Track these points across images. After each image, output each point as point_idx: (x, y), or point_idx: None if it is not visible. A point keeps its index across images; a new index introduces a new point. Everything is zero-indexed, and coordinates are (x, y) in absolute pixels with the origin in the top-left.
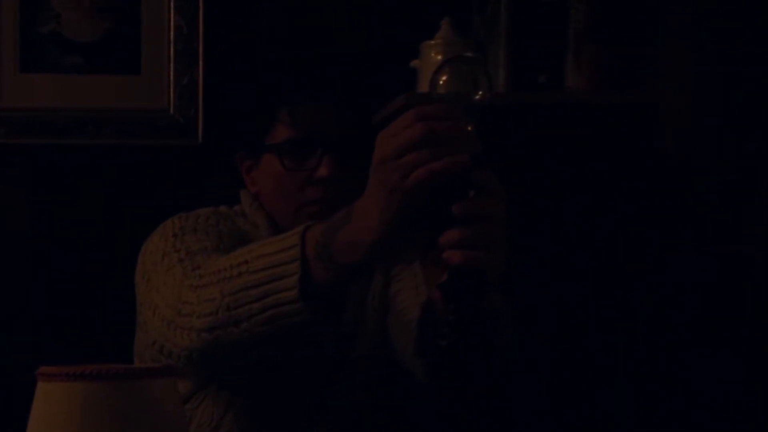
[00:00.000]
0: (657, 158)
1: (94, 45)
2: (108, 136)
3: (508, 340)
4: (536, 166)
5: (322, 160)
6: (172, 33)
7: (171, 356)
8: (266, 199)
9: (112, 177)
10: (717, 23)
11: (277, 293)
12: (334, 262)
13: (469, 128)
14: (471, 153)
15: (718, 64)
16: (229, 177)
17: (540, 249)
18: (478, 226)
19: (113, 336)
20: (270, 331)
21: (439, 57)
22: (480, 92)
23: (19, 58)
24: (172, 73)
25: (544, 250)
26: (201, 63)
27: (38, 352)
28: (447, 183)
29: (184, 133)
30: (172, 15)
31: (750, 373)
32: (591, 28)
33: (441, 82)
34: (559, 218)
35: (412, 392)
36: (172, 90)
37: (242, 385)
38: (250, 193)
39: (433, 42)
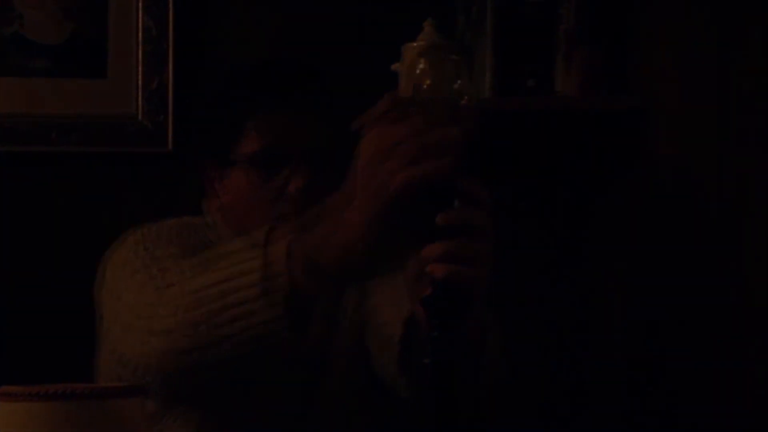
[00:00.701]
0: (651, 166)
1: (58, 47)
2: (73, 142)
3: (496, 357)
4: (524, 175)
5: (294, 173)
6: (140, 34)
7: (128, 366)
8: (234, 211)
9: (78, 186)
10: (713, 25)
11: (237, 291)
12: (321, 270)
13: (456, 131)
14: (456, 158)
15: (714, 67)
16: (201, 185)
17: (529, 261)
18: (463, 238)
19: (78, 353)
20: (231, 335)
21: (422, 59)
22: (460, 85)
23: None
24: (140, 77)
25: (533, 261)
26: (171, 66)
27: None
28: (430, 192)
29: (153, 140)
30: (140, 16)
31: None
32: (581, 29)
33: (425, 87)
34: (548, 229)
35: (390, 411)
36: (140, 94)
37: (213, 406)
38: (218, 203)
39: (415, 44)
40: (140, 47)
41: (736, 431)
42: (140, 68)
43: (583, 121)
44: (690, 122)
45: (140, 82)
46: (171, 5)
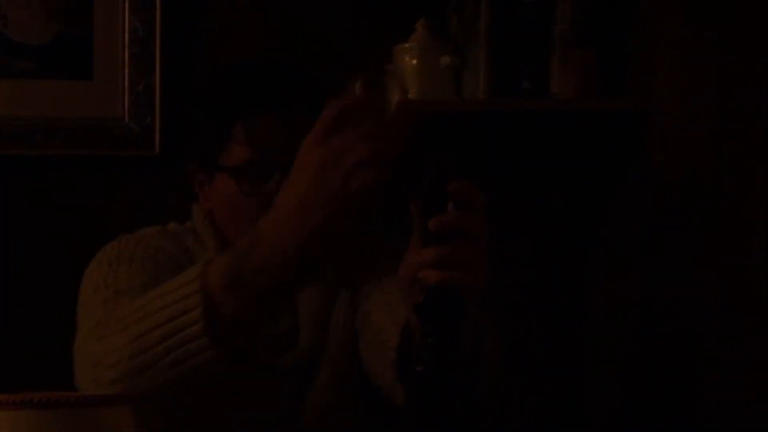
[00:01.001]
0: (649, 169)
1: (43, 48)
2: (58, 145)
3: (494, 364)
4: (519, 178)
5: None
6: (126, 35)
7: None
8: (220, 218)
9: (63, 190)
10: (713, 25)
11: (180, 331)
12: (249, 287)
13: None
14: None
15: (715, 68)
16: (189, 190)
17: (525, 266)
18: (457, 243)
19: (64, 361)
20: (179, 376)
21: (414, 61)
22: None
23: None
24: (126, 79)
25: (529, 267)
26: (158, 68)
27: None
28: (423, 195)
29: (140, 143)
30: (127, 16)
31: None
32: (578, 29)
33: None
34: (544, 233)
35: (380, 421)
36: (126, 97)
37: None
38: (202, 208)
39: (407, 45)
40: (127, 48)
41: None
42: (127, 70)
43: (580, 124)
44: (690, 125)
45: (127, 84)
46: (158, 5)
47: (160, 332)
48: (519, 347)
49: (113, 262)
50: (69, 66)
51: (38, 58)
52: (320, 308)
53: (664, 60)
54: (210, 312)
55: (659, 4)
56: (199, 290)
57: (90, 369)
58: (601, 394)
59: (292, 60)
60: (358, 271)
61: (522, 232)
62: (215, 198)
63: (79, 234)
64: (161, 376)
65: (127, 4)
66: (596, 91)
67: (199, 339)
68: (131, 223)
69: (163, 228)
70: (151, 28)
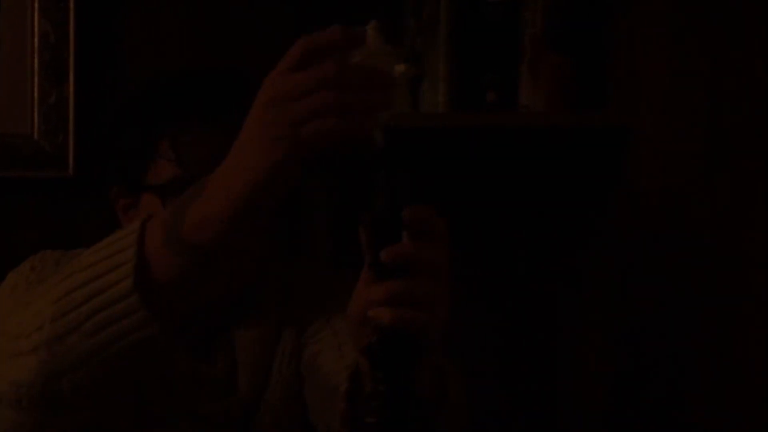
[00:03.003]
0: (632, 193)
1: None
2: None
3: (457, 414)
4: (484, 203)
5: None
6: (36, 40)
7: (2, 401)
8: None
9: None
10: (705, 29)
11: (108, 288)
12: (184, 244)
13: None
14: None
15: (706, 79)
16: (107, 215)
17: (491, 301)
18: (413, 277)
19: None
20: (104, 347)
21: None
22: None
23: None
24: (36, 90)
25: (496, 301)
26: (72, 78)
27: None
28: (374, 223)
29: (52, 164)
30: (36, 19)
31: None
32: (550, 33)
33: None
34: (513, 263)
35: None
36: (36, 110)
37: None
38: None
39: (356, 51)
40: (36, 55)
41: None
42: (36, 80)
43: (553, 141)
44: (679, 143)
45: (36, 96)
46: (72, 6)
47: (87, 290)
48: (485, 393)
49: (36, 265)
50: None
51: None
52: (260, 349)
53: (649, 68)
54: (145, 274)
55: (644, 5)
56: (135, 244)
57: (11, 344)
58: None
59: (227, 67)
60: (304, 307)
61: (488, 264)
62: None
63: None
64: (85, 346)
65: (36, 5)
66: (571, 104)
67: (128, 298)
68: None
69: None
70: (65, 32)
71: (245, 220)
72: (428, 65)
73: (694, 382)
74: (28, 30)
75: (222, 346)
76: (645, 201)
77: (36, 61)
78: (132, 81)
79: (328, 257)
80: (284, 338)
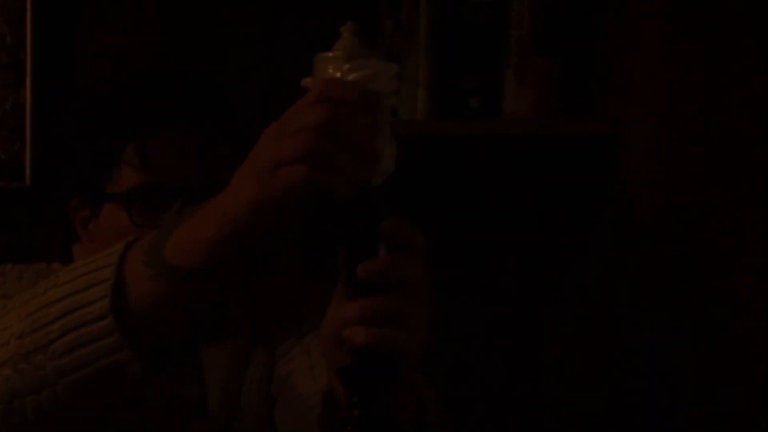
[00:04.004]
0: (622, 204)
1: None
2: None
3: None
4: (466, 215)
5: (183, 211)
6: None
7: None
8: None
9: None
10: (700, 31)
11: (83, 307)
12: (168, 267)
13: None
14: (382, 172)
15: (701, 84)
16: (65, 228)
17: (475, 319)
18: (391, 294)
19: None
20: (73, 369)
21: (339, 74)
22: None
23: None
24: None
25: (480, 320)
26: (29, 83)
27: None
28: (350, 237)
29: (7, 173)
30: None
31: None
32: (537, 35)
33: None
34: (497, 280)
35: None
36: None
37: None
38: (86, 250)
39: (331, 54)
40: None
41: None
42: None
43: (539, 150)
44: (672, 152)
45: None
46: (29, 6)
47: (60, 307)
48: (469, 417)
49: None
50: None
51: None
52: (231, 369)
53: (641, 73)
54: (123, 296)
55: (635, 6)
56: (115, 263)
57: None
58: None
59: (195, 69)
60: (275, 326)
61: (471, 280)
62: (102, 236)
63: None
64: (53, 366)
65: None
66: (559, 110)
67: (103, 319)
68: None
69: (47, 266)
70: (21, 33)
71: (236, 246)
72: (407, 69)
73: (684, 389)
74: None
75: (191, 366)
76: (635, 210)
77: None
78: (94, 86)
79: (300, 273)
80: (255, 358)
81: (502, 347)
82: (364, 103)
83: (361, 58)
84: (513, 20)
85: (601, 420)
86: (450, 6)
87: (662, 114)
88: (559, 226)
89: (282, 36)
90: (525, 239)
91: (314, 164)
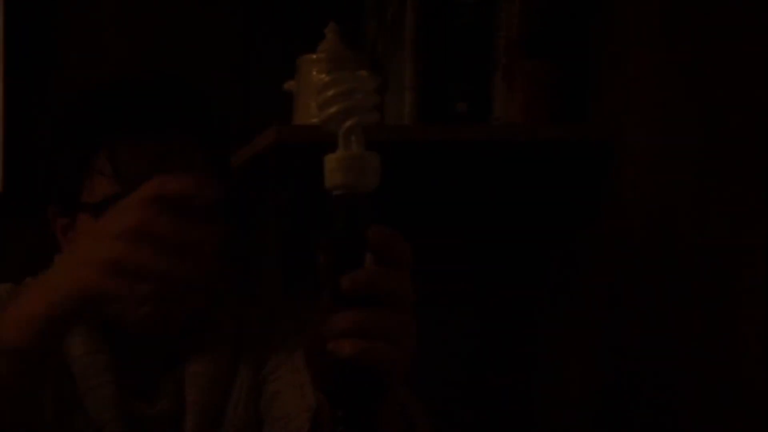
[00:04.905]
0: (616, 214)
1: None
2: None
3: None
4: (454, 224)
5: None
6: None
7: None
8: None
9: None
10: (698, 33)
11: None
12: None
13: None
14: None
15: (699, 88)
16: (40, 237)
17: (462, 332)
18: (377, 306)
19: None
20: None
21: (324, 76)
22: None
23: None
24: None
25: (468, 333)
26: (1, 88)
27: None
28: (334, 246)
29: None
30: None
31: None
32: (527, 37)
33: (333, 111)
34: (485, 290)
35: None
36: None
37: None
38: None
39: (315, 56)
40: None
41: None
42: None
43: (529, 157)
44: (668, 159)
45: None
46: (1, 10)
47: None
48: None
49: None
50: None
51: None
52: (211, 388)
53: (636, 76)
54: None
55: (631, 6)
56: None
57: None
58: None
59: (169, 74)
60: (261, 344)
61: (458, 291)
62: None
63: None
64: None
65: None
66: (550, 115)
67: None
68: None
69: (13, 287)
70: None
71: (63, 324)
72: (392, 72)
73: (680, 395)
74: None
75: (168, 384)
76: (629, 217)
77: None
78: (67, 90)
79: (280, 284)
80: (240, 376)
81: (494, 353)
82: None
83: (343, 69)
84: (502, 22)
85: (594, 423)
86: (437, 7)
87: (657, 120)
88: (551, 232)
89: (264, 37)
90: (516, 246)
91: (108, 272)
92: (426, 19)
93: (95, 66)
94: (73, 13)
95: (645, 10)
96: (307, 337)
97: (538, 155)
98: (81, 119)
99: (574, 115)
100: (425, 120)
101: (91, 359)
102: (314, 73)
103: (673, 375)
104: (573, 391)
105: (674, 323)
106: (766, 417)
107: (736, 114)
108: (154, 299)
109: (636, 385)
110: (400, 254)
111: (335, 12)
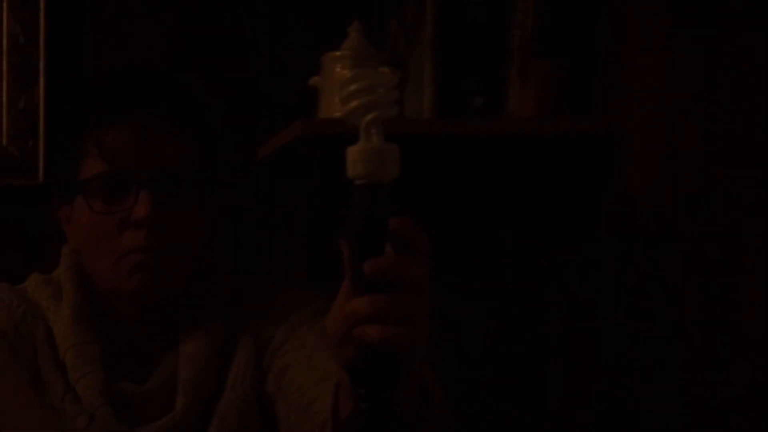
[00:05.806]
0: (623, 206)
1: None
2: None
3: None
4: (469, 214)
5: (139, 197)
6: (5, 42)
7: None
8: (84, 253)
9: None
10: (704, 30)
11: None
12: None
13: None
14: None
15: (704, 84)
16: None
17: (476, 318)
18: (396, 292)
19: None
20: None
21: (347, 73)
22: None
23: None
24: (4, 95)
25: (481, 318)
26: (42, 82)
27: None
28: (357, 234)
29: (21, 171)
30: (5, 19)
31: None
32: (540, 36)
33: (355, 105)
34: (498, 278)
35: None
36: (5, 116)
37: None
38: (69, 249)
39: (338, 54)
40: (4, 58)
41: None
42: (4, 84)
43: (542, 149)
44: (673, 153)
45: (5, 101)
46: (43, 6)
47: None
48: (471, 410)
49: None
50: None
51: None
52: (206, 366)
53: (643, 73)
54: None
55: (636, 6)
56: None
57: None
58: None
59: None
60: (260, 321)
61: (476, 274)
62: (76, 230)
63: None
64: None
65: (5, 5)
66: (561, 110)
67: None
68: (12, 262)
69: (9, 286)
70: (34, 33)
71: None
72: (412, 69)
73: (686, 393)
74: None
75: (162, 365)
76: (636, 210)
77: (5, 64)
78: None
79: (305, 269)
80: (239, 353)
81: (503, 345)
82: None
83: (365, 66)
84: (516, 20)
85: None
86: (455, 7)
87: (664, 114)
88: (559, 226)
89: (290, 35)
90: (525, 239)
91: None
92: (444, 19)
93: (131, 61)
94: (109, 9)
95: (650, 10)
96: (329, 318)
97: (550, 147)
98: (71, 105)
99: (582, 110)
100: (443, 114)
101: (82, 349)
102: (338, 69)
103: (677, 371)
104: (579, 386)
105: (679, 311)
106: (766, 417)
107: (740, 109)
108: (143, 269)
109: (643, 378)
110: (418, 243)
111: (358, 12)
